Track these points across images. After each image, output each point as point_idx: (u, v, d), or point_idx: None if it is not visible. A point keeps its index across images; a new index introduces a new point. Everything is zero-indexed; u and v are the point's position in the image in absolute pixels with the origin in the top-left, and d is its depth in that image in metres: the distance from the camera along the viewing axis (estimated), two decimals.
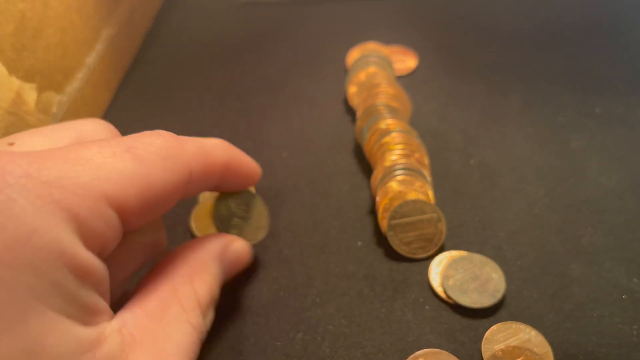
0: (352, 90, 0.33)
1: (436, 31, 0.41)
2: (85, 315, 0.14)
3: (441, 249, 0.26)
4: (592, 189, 0.29)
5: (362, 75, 0.33)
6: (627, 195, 0.28)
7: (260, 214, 0.25)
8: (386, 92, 0.31)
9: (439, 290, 0.24)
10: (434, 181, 0.29)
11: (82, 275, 0.14)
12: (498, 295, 0.24)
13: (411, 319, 0.24)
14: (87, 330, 0.14)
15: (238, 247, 0.22)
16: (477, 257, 0.25)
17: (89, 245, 0.15)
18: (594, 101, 0.34)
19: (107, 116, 0.35)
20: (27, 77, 0.27)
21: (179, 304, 0.18)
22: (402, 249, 0.26)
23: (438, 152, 0.31)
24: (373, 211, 0.28)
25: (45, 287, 0.13)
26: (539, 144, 0.31)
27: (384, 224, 0.26)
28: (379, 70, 0.33)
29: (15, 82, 0.26)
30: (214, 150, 0.20)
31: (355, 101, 0.33)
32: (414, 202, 0.25)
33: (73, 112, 0.32)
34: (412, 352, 0.23)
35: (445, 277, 0.25)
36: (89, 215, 0.15)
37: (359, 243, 0.27)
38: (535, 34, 0.40)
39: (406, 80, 0.36)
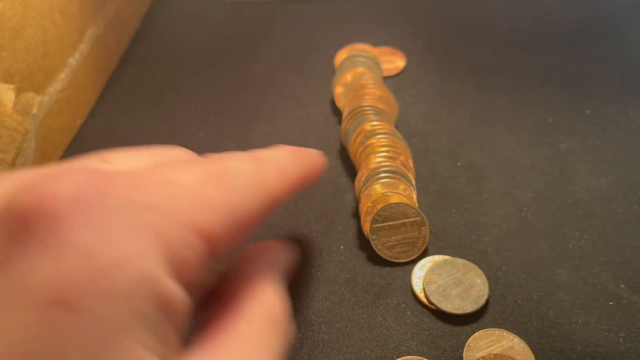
0: (338, 90, 0.33)
1: (425, 31, 0.40)
2: (167, 353, 0.13)
3: (425, 254, 0.26)
4: (581, 192, 0.28)
5: (349, 76, 0.33)
6: (617, 199, 0.28)
7: None
8: (373, 94, 0.30)
9: (420, 295, 0.24)
10: (420, 184, 0.29)
11: (168, 309, 0.13)
12: (481, 301, 0.23)
13: (392, 325, 0.23)
14: None
15: (292, 254, 0.21)
16: (461, 262, 0.25)
17: (177, 277, 0.14)
18: (585, 102, 0.33)
19: (93, 117, 0.35)
20: (5, 77, 0.27)
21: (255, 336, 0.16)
22: (384, 253, 0.25)
23: (425, 154, 0.31)
24: (357, 214, 0.28)
25: (134, 319, 0.12)
26: (528, 146, 0.31)
27: (366, 227, 0.25)
28: (366, 71, 0.33)
29: None
30: (289, 167, 0.19)
31: (341, 102, 0.32)
32: (397, 205, 0.25)
33: (55, 113, 0.31)
34: (393, 359, 0.22)
35: (427, 282, 0.24)
36: (180, 244, 0.14)
37: (342, 247, 0.26)
38: (527, 34, 0.39)
39: (395, 81, 0.36)
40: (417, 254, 0.25)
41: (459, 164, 0.30)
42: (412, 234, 0.25)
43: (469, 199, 0.28)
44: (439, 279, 0.24)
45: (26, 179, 0.13)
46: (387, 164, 0.26)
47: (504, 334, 0.22)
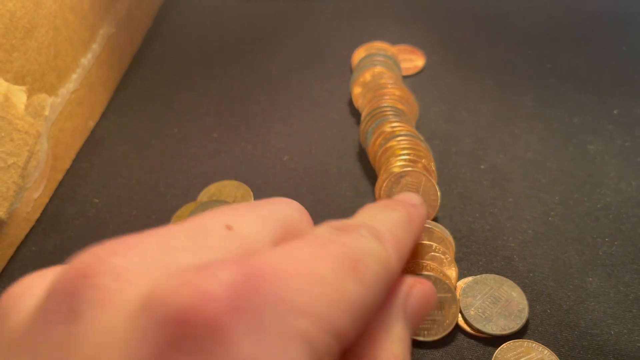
0: (357, 90, 0.32)
1: (443, 28, 0.39)
2: None
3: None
4: (610, 196, 0.27)
5: (367, 76, 0.32)
6: None
7: None
8: (392, 94, 0.29)
9: (463, 324, 0.23)
10: (442, 186, 0.28)
11: None
12: (524, 315, 0.22)
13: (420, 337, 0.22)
14: None
15: (421, 291, 0.18)
16: (491, 278, 0.24)
17: None
18: (611, 101, 0.32)
19: (105, 118, 0.34)
20: (17, 79, 0.26)
21: None
22: None
23: (447, 156, 0.30)
24: None
25: None
26: (553, 147, 0.30)
27: None
28: (385, 70, 0.32)
29: (3, 85, 0.25)
30: (407, 242, 0.18)
31: (360, 102, 0.31)
32: (427, 277, 0.22)
33: (67, 115, 0.30)
34: None
35: (464, 308, 0.23)
36: (323, 351, 0.13)
37: None
38: (546, 29, 0.38)
39: (413, 80, 0.35)
40: (442, 335, 0.22)
41: (482, 166, 0.29)
42: (439, 313, 0.23)
43: (493, 203, 0.27)
44: (475, 301, 0.23)
45: (165, 265, 0.12)
46: (409, 168, 0.25)
47: (533, 345, 0.22)
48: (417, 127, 0.31)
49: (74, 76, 0.31)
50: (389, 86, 0.30)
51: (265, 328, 0.12)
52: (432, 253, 0.23)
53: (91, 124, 0.33)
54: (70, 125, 0.31)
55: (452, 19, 0.40)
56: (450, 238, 0.25)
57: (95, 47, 0.33)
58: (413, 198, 0.20)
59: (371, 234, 0.16)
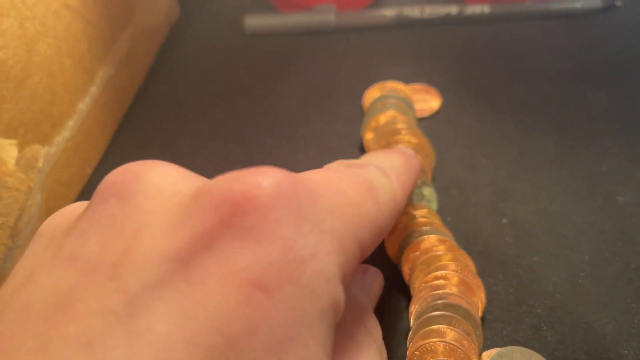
0: (368, 136, 0.30)
1: (458, 65, 0.37)
2: (328, 358, 0.13)
3: None
4: None
5: (379, 120, 0.30)
6: None
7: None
8: (407, 141, 0.28)
9: None
10: (461, 243, 0.26)
11: (337, 315, 0.14)
12: None
13: None
14: None
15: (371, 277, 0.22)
16: (517, 351, 0.22)
17: (343, 285, 0.14)
18: None
19: (103, 164, 0.33)
20: (8, 132, 0.25)
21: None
22: None
23: (465, 208, 0.28)
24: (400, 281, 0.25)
25: (317, 317, 0.13)
26: (579, 198, 0.28)
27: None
28: (398, 114, 0.30)
29: None
30: (408, 180, 0.20)
31: (371, 148, 0.30)
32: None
33: (62, 164, 0.29)
34: None
35: None
36: (349, 254, 0.14)
37: None
38: (567, 68, 0.36)
39: (429, 122, 0.33)
40: None
41: (504, 220, 0.27)
42: None
43: (516, 263, 0.25)
44: None
45: (228, 175, 0.14)
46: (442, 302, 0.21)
47: None
48: (434, 175, 0.29)
49: (71, 123, 0.30)
50: (404, 132, 0.28)
51: (304, 218, 0.13)
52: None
53: (88, 171, 0.32)
54: (65, 174, 0.29)
55: (468, 56, 0.38)
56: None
57: (93, 90, 0.32)
58: (408, 150, 0.22)
59: (379, 170, 0.18)
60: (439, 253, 0.23)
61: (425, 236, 0.24)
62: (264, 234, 0.12)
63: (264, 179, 0.13)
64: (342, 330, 0.16)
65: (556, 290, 0.24)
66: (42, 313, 0.12)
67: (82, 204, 0.15)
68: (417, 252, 0.23)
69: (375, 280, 0.22)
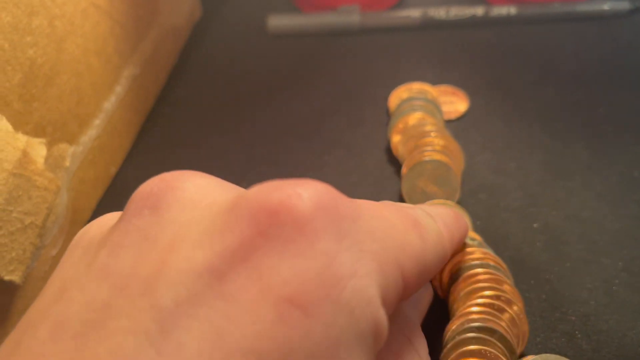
0: (395, 138, 0.30)
1: (486, 68, 0.37)
2: None
3: None
4: None
5: (407, 122, 0.30)
6: None
7: None
8: (436, 144, 0.27)
9: None
10: (491, 248, 0.25)
11: (378, 339, 0.13)
12: None
13: None
14: None
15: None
16: (552, 359, 0.21)
17: (384, 309, 0.14)
18: None
19: (128, 164, 0.32)
20: (37, 130, 0.25)
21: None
22: None
23: (495, 213, 0.27)
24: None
25: (355, 338, 0.12)
26: (611, 204, 0.27)
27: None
28: (426, 115, 0.30)
29: (21, 140, 0.23)
30: (455, 233, 0.19)
31: (399, 151, 0.29)
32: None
33: (88, 163, 0.29)
34: None
35: None
36: (390, 279, 0.14)
37: None
38: (597, 71, 0.36)
39: (456, 125, 0.32)
40: None
41: (534, 225, 0.27)
42: None
43: (548, 269, 0.25)
44: None
45: (266, 185, 0.14)
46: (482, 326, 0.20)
47: None
48: (463, 180, 0.28)
49: (97, 122, 0.29)
50: (433, 134, 0.28)
51: (345, 234, 0.13)
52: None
53: (113, 170, 0.32)
54: (91, 174, 0.29)
55: (494, 58, 0.37)
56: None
57: (119, 89, 0.32)
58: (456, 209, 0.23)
59: (425, 212, 0.17)
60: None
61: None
62: (302, 246, 0.12)
63: (303, 190, 0.13)
64: (387, 347, 0.16)
65: (590, 297, 0.24)
66: (73, 331, 0.11)
67: (117, 215, 0.15)
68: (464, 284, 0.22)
69: (425, 294, 0.21)
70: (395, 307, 0.14)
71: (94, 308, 0.12)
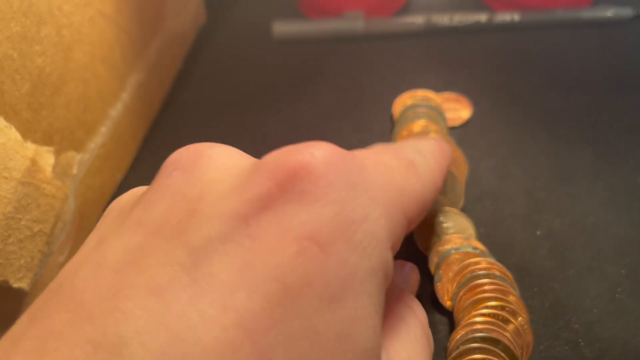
0: None
1: (492, 74, 0.37)
2: (380, 317, 0.14)
3: None
4: None
5: (411, 129, 0.30)
6: None
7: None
8: None
9: None
10: (495, 255, 0.26)
11: (387, 278, 0.14)
12: None
13: None
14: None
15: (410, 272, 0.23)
16: None
17: (392, 251, 0.15)
18: None
19: (134, 170, 0.33)
20: (45, 139, 0.25)
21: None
22: None
23: (499, 219, 0.28)
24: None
25: (368, 274, 0.13)
26: (616, 211, 0.27)
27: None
28: (430, 123, 0.30)
29: (30, 149, 0.24)
30: (442, 161, 0.20)
31: None
32: None
33: (95, 170, 0.29)
34: None
35: None
36: (396, 223, 0.15)
37: None
38: (602, 76, 0.36)
39: (460, 132, 0.33)
40: None
41: (538, 232, 0.27)
42: None
43: (552, 276, 0.25)
44: None
45: (282, 149, 0.15)
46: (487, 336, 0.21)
47: None
48: (467, 187, 0.28)
49: (103, 129, 0.30)
50: None
51: (354, 184, 0.14)
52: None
53: (119, 177, 0.32)
54: (98, 181, 0.29)
55: (498, 65, 0.38)
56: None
57: (125, 96, 0.32)
58: (438, 136, 0.23)
59: (416, 151, 0.19)
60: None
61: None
62: (317, 196, 0.13)
63: (316, 150, 0.14)
64: (387, 307, 0.17)
65: (594, 305, 0.24)
66: (112, 268, 0.13)
67: (147, 187, 0.17)
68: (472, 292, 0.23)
69: (412, 274, 0.23)
70: (400, 244, 0.16)
71: (130, 250, 0.13)
